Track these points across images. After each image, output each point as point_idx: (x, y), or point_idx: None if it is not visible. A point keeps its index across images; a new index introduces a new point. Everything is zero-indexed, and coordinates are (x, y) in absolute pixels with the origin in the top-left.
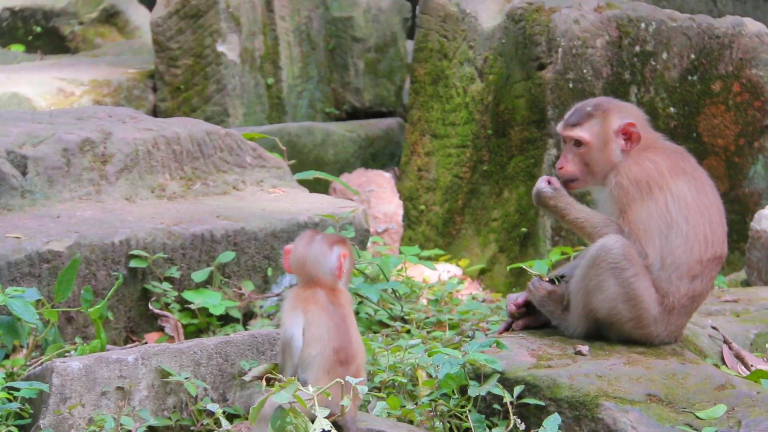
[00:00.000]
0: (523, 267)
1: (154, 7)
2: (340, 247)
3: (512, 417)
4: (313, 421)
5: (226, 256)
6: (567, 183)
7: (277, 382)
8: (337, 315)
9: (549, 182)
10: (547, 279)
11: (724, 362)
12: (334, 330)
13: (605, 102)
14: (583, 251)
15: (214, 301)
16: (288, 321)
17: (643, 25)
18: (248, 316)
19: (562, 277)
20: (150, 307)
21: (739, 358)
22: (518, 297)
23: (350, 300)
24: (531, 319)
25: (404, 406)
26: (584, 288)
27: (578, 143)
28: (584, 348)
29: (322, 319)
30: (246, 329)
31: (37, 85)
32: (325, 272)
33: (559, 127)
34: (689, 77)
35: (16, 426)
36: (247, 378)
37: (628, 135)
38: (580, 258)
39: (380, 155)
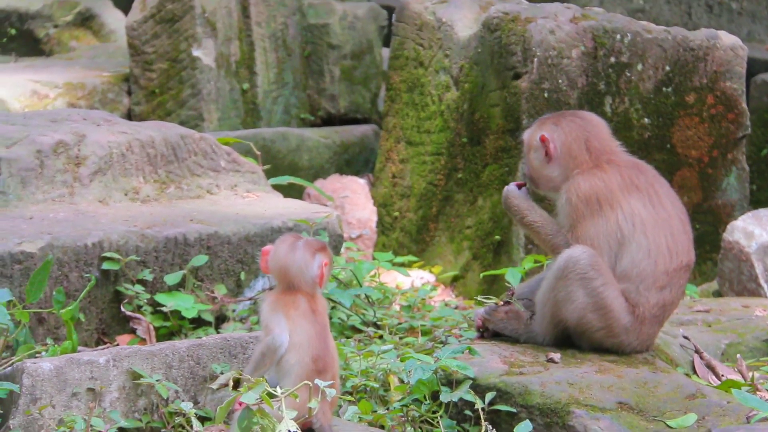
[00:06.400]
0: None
1: (130, 11)
2: (322, 254)
3: (484, 423)
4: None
5: (199, 260)
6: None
7: (244, 383)
8: (317, 323)
9: (519, 186)
10: (503, 302)
11: (695, 372)
12: (314, 338)
13: (560, 113)
14: (549, 264)
15: (186, 304)
16: (276, 327)
17: (618, 36)
18: (221, 319)
19: (512, 294)
20: (122, 309)
21: (710, 368)
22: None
23: (327, 307)
24: None
25: (376, 411)
26: (553, 299)
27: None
28: (556, 356)
29: (304, 326)
30: (218, 332)
31: (11, 87)
32: (306, 280)
33: None
34: (664, 89)
35: None
36: (214, 386)
37: (545, 147)
38: (545, 272)
39: (355, 161)
